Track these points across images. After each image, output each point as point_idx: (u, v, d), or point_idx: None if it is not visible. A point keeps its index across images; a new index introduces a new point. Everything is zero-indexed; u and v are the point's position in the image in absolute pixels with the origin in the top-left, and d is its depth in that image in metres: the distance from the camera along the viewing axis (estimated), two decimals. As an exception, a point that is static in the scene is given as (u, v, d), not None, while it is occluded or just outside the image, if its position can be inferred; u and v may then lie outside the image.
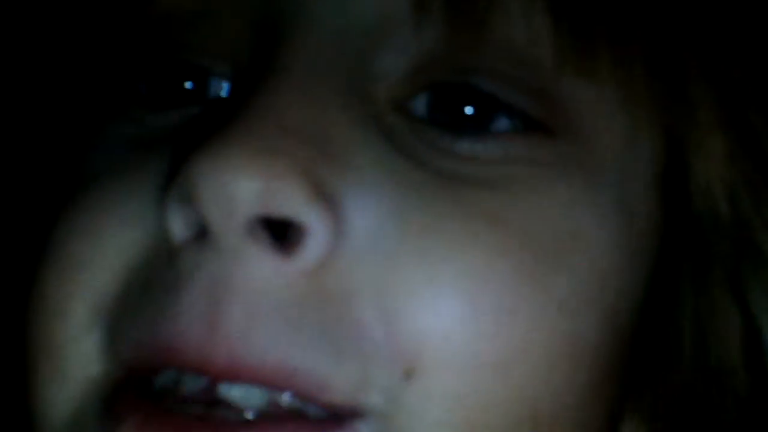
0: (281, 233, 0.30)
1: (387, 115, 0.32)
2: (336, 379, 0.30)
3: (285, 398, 0.30)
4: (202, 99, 0.34)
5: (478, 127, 0.32)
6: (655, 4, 0.33)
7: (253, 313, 0.30)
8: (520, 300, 0.30)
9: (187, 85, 0.34)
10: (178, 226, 0.30)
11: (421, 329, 0.30)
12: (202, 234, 0.30)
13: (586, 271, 0.32)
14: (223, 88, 0.34)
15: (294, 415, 0.30)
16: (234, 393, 0.30)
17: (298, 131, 0.30)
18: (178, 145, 0.31)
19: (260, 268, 0.30)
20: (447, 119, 0.32)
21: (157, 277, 0.31)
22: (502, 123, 0.32)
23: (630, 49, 0.32)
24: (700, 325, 0.35)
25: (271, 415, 0.30)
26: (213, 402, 0.30)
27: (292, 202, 0.29)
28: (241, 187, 0.29)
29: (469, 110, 0.32)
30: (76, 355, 0.32)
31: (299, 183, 0.29)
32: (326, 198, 0.30)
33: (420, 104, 0.32)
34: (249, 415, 0.30)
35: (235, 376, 0.30)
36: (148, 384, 0.31)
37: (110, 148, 0.35)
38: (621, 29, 0.32)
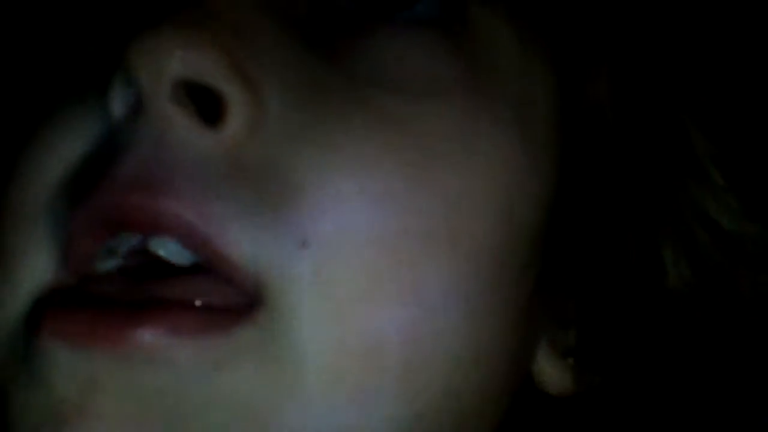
0: (208, 111, 0.33)
1: (308, 5, 0.35)
2: (242, 233, 0.32)
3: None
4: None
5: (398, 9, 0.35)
6: None
7: (178, 170, 0.32)
8: (405, 188, 0.33)
9: None
10: (117, 104, 0.33)
11: (317, 205, 0.33)
12: (137, 111, 0.33)
13: (478, 177, 0.35)
14: None
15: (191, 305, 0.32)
16: (164, 250, 0.33)
17: (222, 18, 0.33)
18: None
19: (185, 133, 0.32)
20: (368, 7, 0.35)
21: (99, 160, 0.34)
22: (422, 8, 0.35)
23: None
24: (603, 243, 0.37)
25: (172, 300, 0.32)
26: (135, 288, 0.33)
27: (213, 71, 0.32)
28: (166, 52, 0.32)
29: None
30: (25, 263, 0.34)
31: (220, 55, 0.32)
32: (246, 79, 0.33)
33: None
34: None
35: (159, 226, 0.32)
36: (76, 288, 0.33)
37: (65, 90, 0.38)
38: None
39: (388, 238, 0.33)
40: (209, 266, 0.32)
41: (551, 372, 0.39)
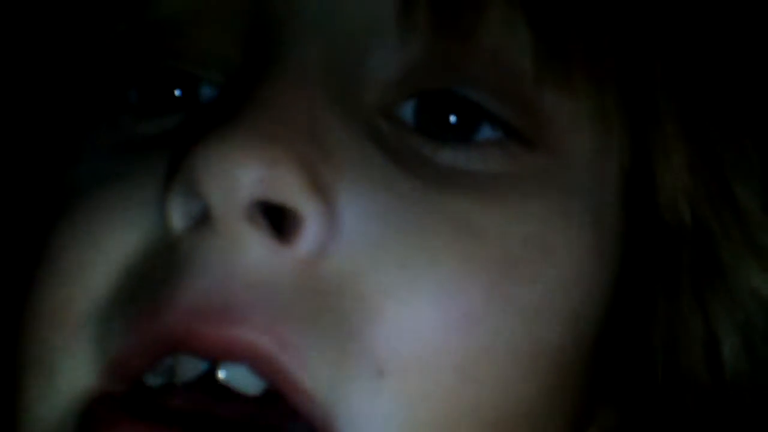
0: (278, 223, 0.31)
1: (375, 119, 0.34)
2: (316, 364, 0.31)
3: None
4: (192, 106, 0.35)
5: (462, 136, 0.34)
6: (627, 23, 0.35)
7: (250, 293, 0.31)
8: (487, 308, 0.32)
9: (177, 92, 0.36)
10: (178, 216, 0.31)
11: (397, 330, 0.31)
12: (201, 223, 0.31)
13: (554, 281, 0.34)
14: (213, 95, 0.35)
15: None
16: (232, 377, 0.31)
17: (298, 124, 0.31)
18: (174, 145, 0.32)
19: (258, 253, 0.31)
20: (433, 127, 0.34)
21: (155, 271, 0.32)
22: (486, 132, 0.34)
23: (603, 65, 0.34)
24: (670, 332, 0.36)
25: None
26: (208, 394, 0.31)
27: (290, 189, 0.31)
28: (242, 171, 0.30)
29: (453, 119, 0.34)
30: (66, 366, 0.33)
31: (298, 172, 0.31)
32: (321, 191, 0.31)
33: (407, 111, 0.34)
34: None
35: (231, 353, 0.30)
36: (128, 395, 0.32)
37: (98, 156, 0.36)
38: (595, 45, 0.34)
39: (468, 362, 0.32)
40: (279, 395, 0.31)
41: None
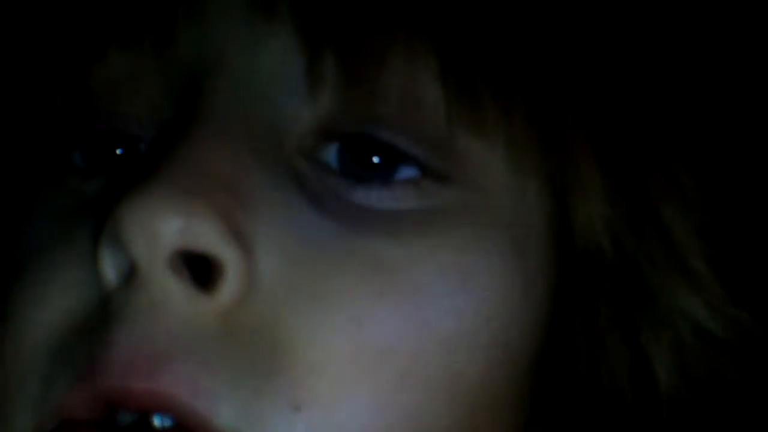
0: (201, 273, 0.33)
1: (297, 162, 0.35)
2: (227, 406, 0.32)
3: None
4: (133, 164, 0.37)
5: (384, 176, 0.35)
6: (535, 61, 0.36)
7: (174, 344, 0.32)
8: (401, 340, 0.33)
9: (118, 151, 0.37)
10: (109, 269, 0.33)
11: (311, 367, 0.33)
12: (130, 277, 0.33)
13: (473, 311, 0.35)
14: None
15: None
16: (164, 424, 0.33)
17: (215, 176, 0.33)
18: (105, 203, 0.34)
19: (182, 302, 0.32)
20: (355, 168, 0.35)
21: (91, 326, 0.34)
22: (404, 171, 0.35)
23: (511, 101, 0.35)
24: (591, 358, 0.38)
25: None
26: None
27: (209, 237, 0.32)
28: (162, 223, 0.32)
29: (375, 159, 0.35)
30: (20, 412, 0.34)
31: (216, 220, 0.32)
32: (240, 238, 0.33)
33: (331, 154, 0.35)
34: None
35: (156, 406, 0.32)
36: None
37: (47, 216, 0.38)
38: (502, 82, 0.35)
39: (385, 393, 0.33)
40: None
41: None
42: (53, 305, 0.35)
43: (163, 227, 0.31)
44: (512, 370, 0.36)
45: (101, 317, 0.33)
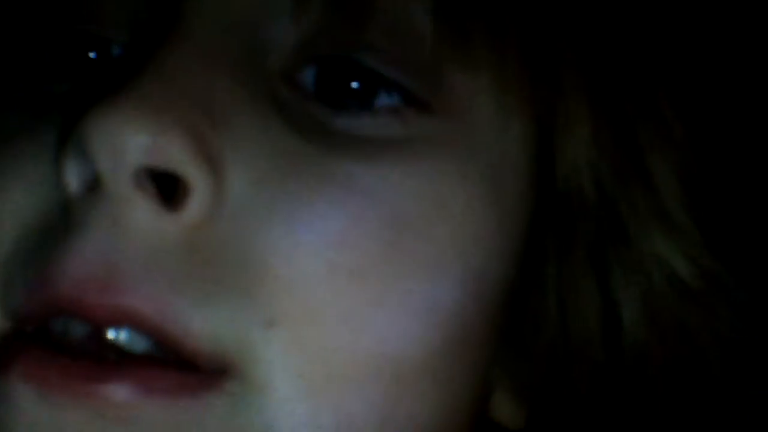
0: (168, 189, 0.32)
1: (276, 84, 0.34)
2: (201, 322, 0.31)
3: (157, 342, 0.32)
4: (105, 67, 0.36)
5: (362, 102, 0.34)
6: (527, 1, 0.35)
7: (136, 260, 0.31)
8: (377, 264, 0.33)
9: (91, 54, 0.36)
10: (73, 178, 0.32)
11: (284, 285, 0.32)
12: (93, 188, 0.32)
13: (450, 237, 0.34)
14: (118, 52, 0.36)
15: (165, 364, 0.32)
16: (119, 337, 0.32)
17: (188, 93, 0.32)
18: (73, 106, 0.33)
19: (145, 218, 0.31)
20: (332, 93, 0.34)
21: (50, 230, 0.33)
22: (385, 98, 0.34)
23: (504, 39, 0.34)
24: (561, 299, 0.37)
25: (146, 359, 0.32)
26: (102, 347, 0.32)
27: (177, 157, 0.31)
28: (129, 138, 0.31)
29: (354, 85, 0.34)
30: None
31: (184, 140, 0.31)
32: (209, 158, 0.32)
33: (308, 77, 0.34)
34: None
35: (114, 320, 0.31)
36: (39, 333, 0.32)
37: (16, 110, 0.36)
38: (496, 20, 0.34)
39: (359, 315, 0.32)
40: (167, 353, 0.32)
41: (505, 409, 0.39)
42: (14, 199, 0.34)
43: (129, 143, 0.31)
44: (485, 304, 0.35)
45: (60, 222, 0.32)
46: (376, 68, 0.34)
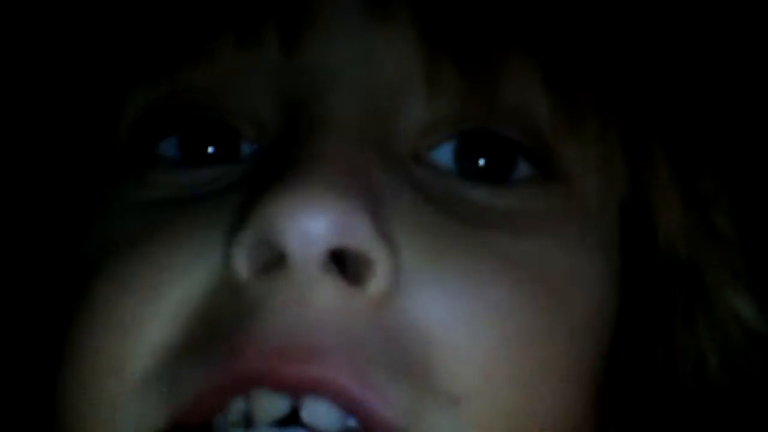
0: (345, 269, 0.33)
1: (411, 167, 0.36)
2: (395, 397, 0.33)
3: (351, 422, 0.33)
4: (229, 160, 0.37)
5: (499, 175, 0.37)
6: (629, 81, 0.39)
7: (328, 333, 0.32)
8: (533, 329, 0.35)
9: (210, 149, 0.37)
10: (246, 264, 0.32)
11: (465, 359, 0.34)
12: (270, 269, 0.32)
13: (585, 302, 0.37)
14: (253, 152, 0.37)
15: None
16: (314, 413, 0.32)
17: (357, 176, 0.33)
18: (230, 197, 0.34)
19: (332, 297, 0.32)
20: (471, 168, 0.37)
21: (221, 317, 0.33)
22: (521, 169, 0.37)
23: (610, 117, 0.38)
24: (667, 355, 0.40)
25: None
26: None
27: (363, 236, 0.32)
28: (320, 220, 0.32)
29: (486, 159, 0.37)
30: (133, 418, 0.34)
31: (369, 219, 0.32)
32: (388, 237, 0.33)
33: (444, 154, 0.37)
34: None
35: (312, 390, 0.32)
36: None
37: (130, 212, 0.37)
38: (603, 100, 0.38)
39: (529, 379, 0.34)
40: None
41: None
42: (167, 297, 0.34)
43: (320, 225, 0.31)
44: (602, 359, 0.38)
45: (232, 310, 0.33)
46: (507, 135, 0.37)
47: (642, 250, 0.40)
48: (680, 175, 0.40)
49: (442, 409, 0.33)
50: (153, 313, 0.34)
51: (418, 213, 0.35)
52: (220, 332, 0.33)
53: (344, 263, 0.33)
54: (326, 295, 0.32)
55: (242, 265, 0.32)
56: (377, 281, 0.33)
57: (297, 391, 0.32)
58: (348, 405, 0.32)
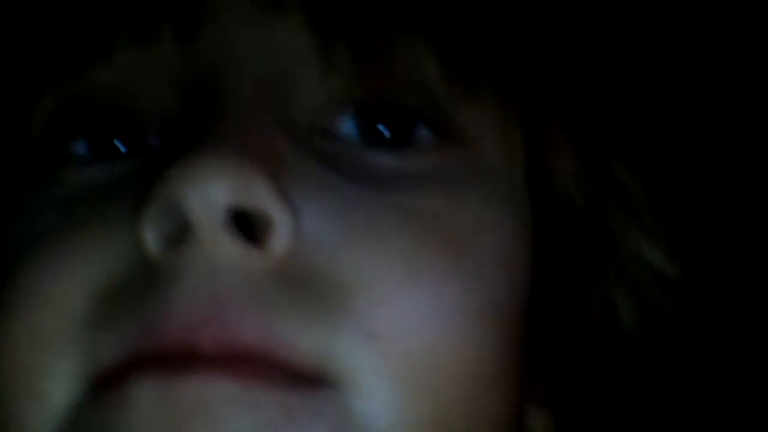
0: (248, 230, 0.34)
1: (313, 138, 0.38)
2: (306, 341, 0.34)
3: None
4: (139, 154, 0.39)
5: (401, 142, 0.39)
6: (521, 49, 0.41)
7: (236, 296, 0.34)
8: (449, 271, 0.36)
9: (122, 147, 0.39)
10: (154, 237, 0.34)
11: (377, 298, 0.35)
12: (177, 241, 0.34)
13: (495, 250, 0.39)
14: (160, 143, 0.39)
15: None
16: None
17: (257, 144, 0.35)
18: (135, 183, 0.35)
19: (238, 258, 0.34)
20: (373, 137, 0.38)
21: (136, 290, 0.34)
22: (422, 136, 0.39)
23: (505, 85, 0.40)
24: (574, 305, 0.42)
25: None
26: None
27: (263, 196, 0.34)
28: (220, 181, 0.33)
29: (388, 128, 0.38)
30: (52, 385, 0.35)
31: (267, 179, 0.34)
32: (288, 199, 0.35)
33: (348, 125, 0.38)
34: None
35: (230, 355, 0.33)
36: None
37: (49, 210, 0.38)
38: (498, 69, 0.40)
39: (445, 317, 0.36)
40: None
41: (537, 420, 0.43)
42: (81, 275, 0.35)
43: (219, 185, 0.33)
44: (522, 310, 0.39)
45: (145, 282, 0.34)
46: (403, 104, 0.38)
47: (548, 205, 0.42)
48: (575, 131, 0.42)
49: (360, 347, 0.34)
50: (66, 289, 0.35)
51: (321, 179, 0.36)
52: (135, 308, 0.34)
53: (249, 227, 0.34)
54: (231, 255, 0.34)
55: (150, 239, 0.34)
56: (279, 240, 0.34)
57: (212, 361, 0.33)
58: (260, 361, 0.33)
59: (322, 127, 0.38)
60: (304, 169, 0.36)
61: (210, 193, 0.33)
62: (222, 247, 0.34)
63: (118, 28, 0.38)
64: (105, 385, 0.34)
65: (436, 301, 0.36)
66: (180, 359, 0.33)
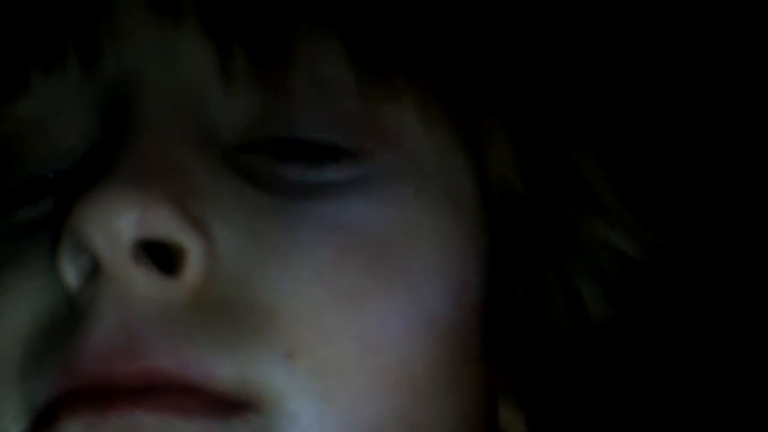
0: (164, 261, 0.34)
1: (234, 155, 0.37)
2: (223, 367, 0.34)
3: None
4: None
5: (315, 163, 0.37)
6: (432, 34, 0.39)
7: (149, 326, 0.33)
8: (367, 283, 0.35)
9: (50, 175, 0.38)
10: (70, 273, 0.34)
11: (294, 317, 0.34)
12: (93, 274, 0.34)
13: (427, 256, 0.37)
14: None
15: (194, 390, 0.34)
16: None
17: (162, 167, 0.35)
18: (53, 217, 0.35)
19: (150, 290, 0.34)
20: (289, 149, 0.37)
21: (60, 329, 0.35)
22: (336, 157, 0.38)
23: (418, 72, 0.38)
24: (529, 296, 0.41)
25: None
26: None
27: (167, 225, 0.34)
28: (120, 216, 0.33)
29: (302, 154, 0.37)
30: (5, 422, 0.35)
31: (171, 208, 0.34)
32: (196, 222, 0.34)
33: (266, 145, 0.37)
34: None
35: (147, 384, 0.33)
36: None
37: None
38: (407, 57, 0.38)
39: (368, 333, 0.35)
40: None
41: (508, 416, 0.42)
42: (11, 317, 0.36)
43: (121, 220, 0.33)
44: (469, 311, 0.38)
45: (69, 318, 0.34)
46: (316, 138, 0.37)
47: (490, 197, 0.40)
48: (509, 119, 0.40)
49: (281, 367, 0.34)
50: (3, 341, 0.36)
51: (236, 196, 0.36)
52: (60, 346, 0.34)
53: (168, 255, 0.34)
54: (143, 288, 0.34)
55: (68, 275, 0.34)
56: (192, 268, 0.34)
57: (128, 390, 0.33)
58: (177, 388, 0.33)
59: (238, 143, 0.38)
60: (219, 187, 0.36)
61: (112, 228, 0.33)
62: (132, 280, 0.34)
63: (29, 59, 0.38)
64: (42, 426, 0.34)
65: (360, 320, 0.35)
66: (100, 394, 0.33)
